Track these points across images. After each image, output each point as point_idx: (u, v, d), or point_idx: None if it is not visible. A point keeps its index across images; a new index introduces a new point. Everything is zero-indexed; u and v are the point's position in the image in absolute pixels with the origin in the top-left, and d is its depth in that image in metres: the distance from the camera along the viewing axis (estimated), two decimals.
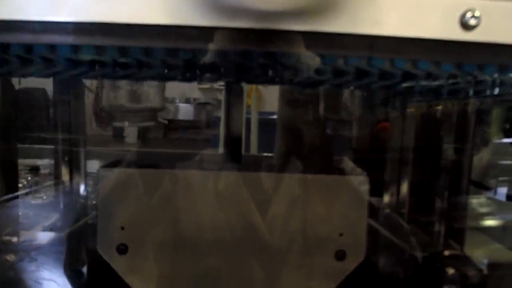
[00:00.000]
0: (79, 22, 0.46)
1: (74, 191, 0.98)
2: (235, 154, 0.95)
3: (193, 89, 2.79)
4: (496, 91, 0.57)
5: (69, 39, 0.49)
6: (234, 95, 0.94)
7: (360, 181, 0.81)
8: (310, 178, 0.82)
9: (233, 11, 0.47)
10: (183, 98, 2.79)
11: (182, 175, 0.80)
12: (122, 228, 0.79)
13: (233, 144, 0.95)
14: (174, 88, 3.07)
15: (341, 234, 0.81)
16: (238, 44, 0.53)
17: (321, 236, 0.81)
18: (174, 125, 2.86)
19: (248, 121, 2.59)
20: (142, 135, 2.73)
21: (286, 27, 0.48)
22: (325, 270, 0.81)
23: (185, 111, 2.76)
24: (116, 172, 0.79)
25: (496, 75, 0.55)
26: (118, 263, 0.79)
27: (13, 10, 0.46)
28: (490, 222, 1.00)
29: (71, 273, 0.83)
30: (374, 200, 0.97)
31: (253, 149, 2.98)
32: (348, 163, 1.04)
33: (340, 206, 0.80)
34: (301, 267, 0.82)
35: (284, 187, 0.80)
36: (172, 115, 2.90)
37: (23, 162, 2.13)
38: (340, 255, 0.81)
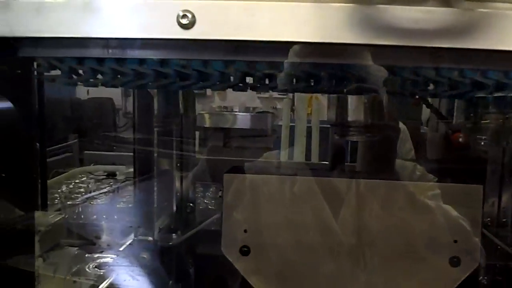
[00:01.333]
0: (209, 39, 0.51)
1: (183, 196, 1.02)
2: (337, 163, 0.98)
3: (252, 98, 2.84)
4: None
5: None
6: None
7: (475, 189, 0.83)
8: (426, 186, 0.85)
9: (384, 29, 0.51)
10: (242, 107, 2.84)
11: (303, 181, 0.83)
12: (245, 231, 0.83)
13: (337, 154, 0.98)
14: (233, 98, 3.13)
15: (455, 241, 0.83)
16: (383, 61, 0.56)
17: (436, 243, 0.83)
18: (234, 134, 2.90)
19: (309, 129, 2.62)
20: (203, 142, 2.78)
21: (433, 45, 0.51)
22: (440, 277, 0.83)
23: (244, 120, 2.81)
24: (241, 177, 0.84)
25: None
26: (241, 264, 0.83)
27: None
28: None
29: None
30: None
31: (314, 157, 3.01)
32: (419, 169, 1.07)
33: (455, 213, 0.82)
34: (415, 274, 0.84)
35: (398, 195, 0.82)
36: (231, 124, 2.94)
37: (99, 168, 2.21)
38: (455, 262, 0.83)
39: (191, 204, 1.04)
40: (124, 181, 1.90)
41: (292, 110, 2.67)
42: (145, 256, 0.80)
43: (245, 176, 0.84)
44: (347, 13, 0.49)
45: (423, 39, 0.50)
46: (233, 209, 0.83)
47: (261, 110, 2.84)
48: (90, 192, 1.72)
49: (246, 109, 2.88)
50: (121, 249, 0.83)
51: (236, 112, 2.83)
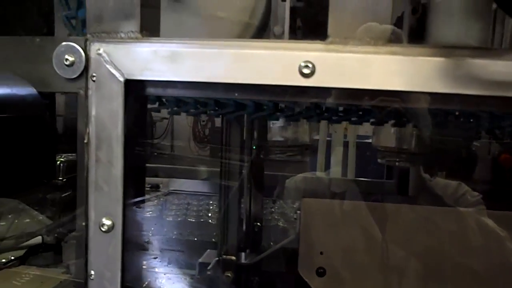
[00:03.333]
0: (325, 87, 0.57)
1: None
2: (402, 183, 1.03)
3: None
4: None
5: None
6: None
7: None
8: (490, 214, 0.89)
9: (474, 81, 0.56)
10: None
11: (379, 207, 0.88)
12: (321, 253, 0.88)
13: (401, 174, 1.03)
14: None
15: None
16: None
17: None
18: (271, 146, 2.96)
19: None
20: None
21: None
22: None
23: (281, 133, 2.85)
24: (319, 202, 0.89)
25: None
26: (317, 285, 0.88)
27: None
28: None
29: None
30: None
31: (350, 174, 3.04)
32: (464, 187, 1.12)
33: None
34: None
35: (474, 222, 0.87)
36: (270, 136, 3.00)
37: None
38: None
39: (258, 224, 1.10)
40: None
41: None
42: (229, 274, 0.85)
43: (323, 201, 0.89)
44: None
45: (503, 89, 0.55)
46: (310, 231, 0.89)
47: None
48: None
49: None
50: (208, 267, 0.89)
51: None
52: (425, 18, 0.73)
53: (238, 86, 0.57)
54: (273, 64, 0.56)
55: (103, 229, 0.60)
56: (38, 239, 1.36)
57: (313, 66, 0.55)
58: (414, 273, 0.87)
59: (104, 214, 0.60)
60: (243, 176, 1.05)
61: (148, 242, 1.35)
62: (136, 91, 0.60)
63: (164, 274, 1.15)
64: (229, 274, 0.85)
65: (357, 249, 0.88)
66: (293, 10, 0.79)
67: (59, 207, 1.32)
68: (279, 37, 0.84)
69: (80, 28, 0.82)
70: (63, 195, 1.34)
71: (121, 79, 0.58)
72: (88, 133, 0.61)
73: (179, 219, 1.73)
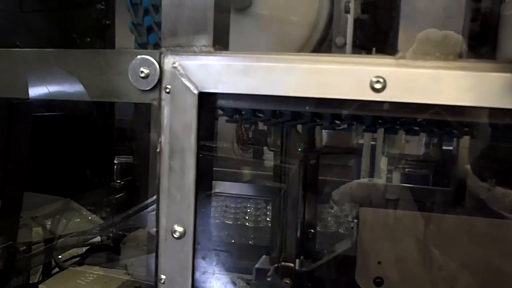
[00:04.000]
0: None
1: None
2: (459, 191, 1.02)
3: None
4: None
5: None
6: None
7: None
8: None
9: None
10: None
11: (438, 218, 0.88)
12: (379, 262, 0.88)
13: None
14: None
15: None
16: None
17: None
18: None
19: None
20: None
21: None
22: None
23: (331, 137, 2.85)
24: (377, 212, 0.89)
25: None
26: None
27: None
28: None
29: None
30: None
31: (395, 179, 3.01)
32: None
33: None
34: None
35: None
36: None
37: None
38: None
39: (312, 230, 1.11)
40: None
41: None
42: (288, 281, 0.87)
43: (381, 211, 0.90)
44: None
45: None
46: (368, 241, 0.89)
47: None
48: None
49: None
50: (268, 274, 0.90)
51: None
52: (487, 28, 0.73)
53: (309, 99, 0.58)
54: (345, 79, 0.57)
55: (175, 236, 0.62)
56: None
57: (384, 81, 0.56)
58: (476, 285, 0.87)
59: (176, 221, 0.63)
60: (297, 181, 1.06)
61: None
62: (208, 103, 0.62)
63: (213, 274, 1.17)
64: (288, 281, 0.87)
65: (415, 260, 0.88)
66: (356, 21, 0.80)
67: (116, 209, 1.36)
68: (341, 48, 0.85)
69: (145, 35, 0.85)
70: (120, 198, 1.38)
71: (195, 91, 0.60)
72: (161, 142, 0.64)
73: (216, 220, 1.75)
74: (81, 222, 1.47)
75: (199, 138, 0.61)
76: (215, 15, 0.63)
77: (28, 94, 0.74)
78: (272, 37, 0.86)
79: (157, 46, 0.84)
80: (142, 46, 0.85)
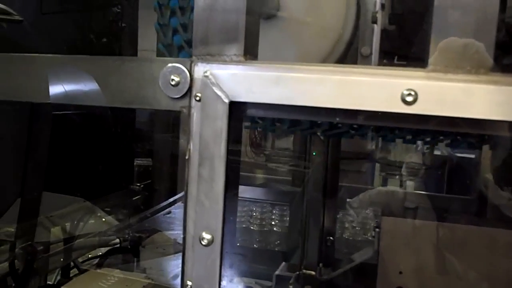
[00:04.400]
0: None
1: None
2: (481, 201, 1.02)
3: None
4: None
5: None
6: None
7: None
8: None
9: None
10: None
11: (460, 229, 0.88)
12: (400, 272, 0.88)
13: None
14: None
15: None
16: None
17: None
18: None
19: None
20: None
21: None
22: None
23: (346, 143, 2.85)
24: (399, 221, 0.89)
25: None
26: None
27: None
28: None
29: None
30: None
31: (410, 186, 3.00)
32: None
33: None
34: None
35: None
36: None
37: None
38: None
39: (331, 238, 1.11)
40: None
41: None
42: None
43: (403, 220, 0.90)
44: None
45: None
46: (389, 250, 0.89)
47: None
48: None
49: None
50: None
51: None
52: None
53: (340, 110, 0.59)
54: (376, 91, 0.57)
55: (203, 243, 0.63)
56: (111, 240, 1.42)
57: (416, 94, 0.56)
58: None
59: (204, 228, 0.63)
60: (318, 188, 1.07)
61: None
62: (238, 112, 0.62)
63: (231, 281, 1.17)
64: None
65: (436, 270, 0.88)
66: (383, 32, 0.80)
67: (135, 213, 1.38)
68: (366, 57, 0.85)
69: (170, 37, 0.86)
70: (139, 201, 1.39)
71: (226, 100, 0.61)
72: (190, 149, 0.64)
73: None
74: (96, 223, 1.49)
75: (228, 146, 0.62)
76: (246, 25, 0.64)
77: (50, 98, 0.75)
78: (297, 46, 0.86)
79: (181, 48, 0.85)
80: (167, 47, 0.86)
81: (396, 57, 0.90)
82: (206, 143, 0.63)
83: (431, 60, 0.60)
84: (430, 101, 0.56)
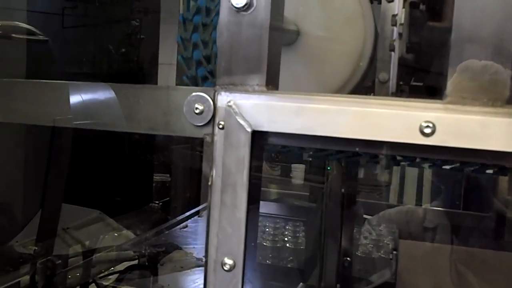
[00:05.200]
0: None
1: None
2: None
3: None
4: None
5: None
6: None
7: None
8: None
9: None
10: None
11: (480, 254, 0.88)
12: None
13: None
14: None
15: None
16: None
17: None
18: None
19: None
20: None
21: None
22: None
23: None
24: (417, 245, 0.90)
25: None
26: None
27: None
28: None
29: None
30: None
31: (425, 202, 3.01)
32: None
33: None
34: None
35: None
36: None
37: None
38: None
39: (348, 258, 1.12)
40: None
41: None
42: None
43: (421, 244, 0.91)
44: None
45: None
46: (407, 274, 0.90)
47: None
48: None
49: None
50: None
51: None
52: None
53: (359, 140, 0.61)
54: (395, 122, 0.59)
55: (225, 268, 0.64)
56: (128, 254, 1.44)
57: (434, 126, 0.58)
58: None
59: (226, 254, 0.65)
60: (337, 211, 1.08)
61: None
62: (261, 141, 0.64)
63: None
64: None
65: None
66: (400, 59, 0.82)
67: (154, 230, 1.39)
68: (384, 83, 0.87)
69: (194, 69, 0.88)
70: (157, 219, 1.41)
71: (249, 129, 0.63)
72: (212, 176, 0.66)
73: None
74: (111, 236, 1.51)
75: (250, 173, 0.64)
76: (268, 56, 0.66)
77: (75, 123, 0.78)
78: (315, 71, 0.88)
79: (205, 79, 0.87)
80: (191, 79, 0.88)
81: (412, 79, 0.92)
82: (228, 170, 0.65)
83: (448, 91, 0.62)
84: (448, 133, 0.58)
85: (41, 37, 1.36)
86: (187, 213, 1.58)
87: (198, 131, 0.68)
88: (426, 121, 0.58)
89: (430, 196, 2.49)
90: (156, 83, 1.37)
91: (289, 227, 1.86)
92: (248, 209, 0.64)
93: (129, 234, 1.51)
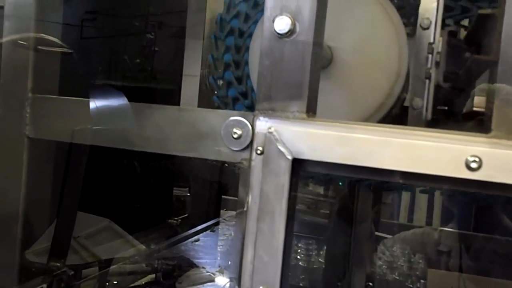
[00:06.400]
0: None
1: None
2: None
3: None
4: None
5: None
6: None
7: None
8: None
9: None
10: None
11: (502, 285, 0.87)
12: None
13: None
14: None
15: None
16: None
17: None
18: None
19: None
20: None
21: None
22: None
23: None
24: (445, 275, 0.89)
25: None
26: None
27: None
28: None
29: None
30: None
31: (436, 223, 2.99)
32: None
33: None
34: None
35: None
36: None
37: None
38: None
39: (370, 284, 1.10)
40: None
41: None
42: None
43: (450, 274, 0.90)
44: None
45: None
46: None
47: None
48: None
49: None
50: None
51: None
52: None
53: (403, 173, 0.60)
54: (440, 156, 0.58)
55: None
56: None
57: (480, 160, 0.57)
58: None
59: (261, 282, 0.64)
60: (362, 235, 1.07)
61: None
62: (301, 169, 0.64)
63: None
64: None
65: None
66: (436, 87, 0.82)
67: (172, 248, 1.38)
68: (417, 109, 0.86)
69: (225, 90, 0.88)
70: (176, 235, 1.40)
71: (289, 157, 0.62)
72: (248, 202, 0.66)
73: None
74: (123, 244, 1.50)
75: (289, 201, 0.63)
76: (309, 83, 0.65)
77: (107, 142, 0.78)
78: (349, 97, 0.88)
79: (236, 100, 0.87)
80: (221, 99, 0.88)
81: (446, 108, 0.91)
82: (267, 197, 0.64)
83: (493, 125, 0.61)
84: (494, 168, 0.57)
85: (65, 49, 1.37)
86: (198, 227, 1.57)
87: (235, 156, 0.68)
88: (472, 155, 0.57)
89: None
90: (180, 93, 1.40)
91: (301, 245, 1.83)
92: (286, 237, 0.64)
93: (137, 243, 1.50)
